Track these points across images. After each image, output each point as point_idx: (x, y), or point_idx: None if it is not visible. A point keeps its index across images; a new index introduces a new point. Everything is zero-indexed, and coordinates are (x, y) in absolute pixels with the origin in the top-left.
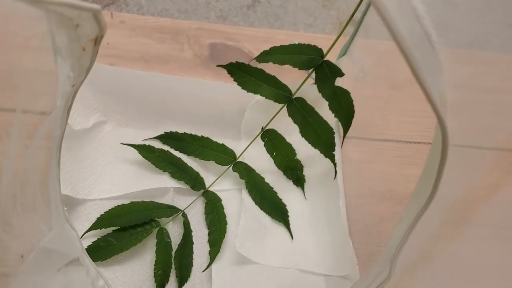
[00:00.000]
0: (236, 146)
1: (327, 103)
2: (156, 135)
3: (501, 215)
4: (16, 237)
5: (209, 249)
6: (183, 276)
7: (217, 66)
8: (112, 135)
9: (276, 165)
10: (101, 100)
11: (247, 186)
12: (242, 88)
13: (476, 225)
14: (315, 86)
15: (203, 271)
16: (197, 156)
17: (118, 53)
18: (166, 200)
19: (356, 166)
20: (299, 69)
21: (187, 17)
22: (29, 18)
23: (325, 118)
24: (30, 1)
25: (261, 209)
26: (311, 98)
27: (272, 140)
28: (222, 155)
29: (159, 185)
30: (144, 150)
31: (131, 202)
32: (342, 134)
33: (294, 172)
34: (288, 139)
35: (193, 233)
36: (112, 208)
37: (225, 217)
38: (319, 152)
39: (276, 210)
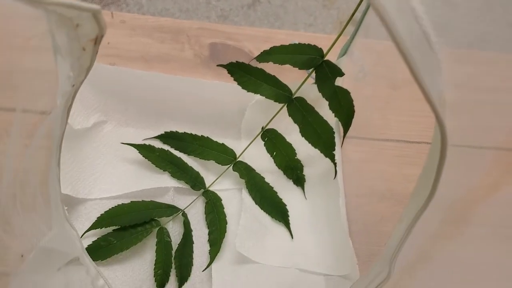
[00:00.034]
0: (236, 145)
1: (327, 102)
2: (156, 134)
3: (500, 215)
4: (16, 237)
5: (209, 248)
6: (183, 275)
7: (218, 65)
8: (112, 135)
9: (276, 165)
10: (101, 99)
11: (247, 186)
12: (242, 88)
13: (476, 225)
14: (315, 85)
15: (203, 271)
16: (197, 155)
17: (118, 52)
18: (166, 199)
19: (356, 165)
20: (299, 68)
21: (187, 16)
22: (29, 18)
23: (325, 118)
24: (30, 1)
25: (261, 209)
26: (311, 98)
27: (272, 140)
28: (222, 155)
29: (159, 185)
30: (144, 149)
31: (131, 201)
32: (342, 134)
33: (294, 171)
34: (288, 139)
35: (193, 233)
36: (112, 207)
37: (225, 217)
38: (319, 151)
39: (276, 209)
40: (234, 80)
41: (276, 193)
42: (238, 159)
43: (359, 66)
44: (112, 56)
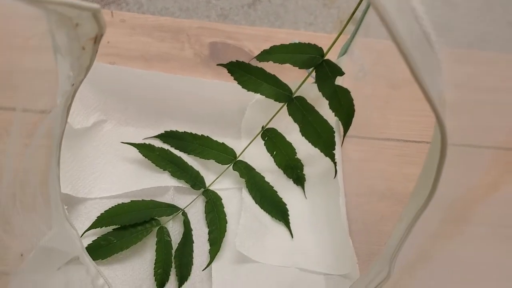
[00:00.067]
0: (236, 145)
1: (327, 102)
2: (156, 134)
3: (500, 214)
4: (16, 236)
5: (209, 248)
6: (183, 274)
7: (218, 65)
8: (112, 134)
9: (276, 164)
10: (101, 99)
11: (247, 185)
12: (243, 87)
13: (475, 224)
14: (315, 85)
15: (203, 270)
16: (197, 155)
17: (118, 51)
18: (166, 199)
19: (356, 165)
20: (299, 68)
21: (187, 15)
22: (29, 18)
23: (325, 117)
24: (30, 1)
25: (261, 208)
26: (311, 97)
27: (272, 139)
28: (222, 154)
29: (159, 184)
30: (144, 149)
31: (131, 201)
32: (342, 133)
33: (294, 171)
34: (288, 138)
35: (193, 232)
36: (112, 206)
37: (225, 216)
38: (319, 151)
39: (276, 209)
40: (234, 79)
41: (276, 192)
42: (238, 158)
43: (359, 65)
44: (112, 55)
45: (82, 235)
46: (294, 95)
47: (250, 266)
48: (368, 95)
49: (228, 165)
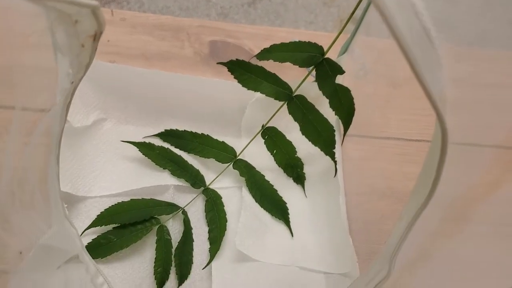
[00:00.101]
0: (236, 143)
1: (327, 100)
2: (156, 132)
3: (501, 213)
4: (15, 235)
5: (209, 246)
6: (183, 273)
7: (218, 63)
8: (112, 133)
9: (276, 163)
10: (101, 97)
11: (248, 184)
12: (243, 86)
13: (475, 223)
14: (316, 83)
15: (203, 269)
16: (198, 153)
17: (118, 50)
18: (166, 197)
19: (356, 164)
20: (299, 66)
21: (188, 14)
22: (29, 15)
23: (325, 116)
24: None
25: (261, 207)
26: (312, 96)
27: (273, 138)
28: (223, 153)
29: (159, 183)
30: (144, 147)
31: (131, 199)
32: (342, 132)
33: (294, 169)
34: (288, 137)
35: (193, 231)
36: (112, 205)
37: (225, 215)
38: (319, 150)
39: (276, 207)
40: (234, 78)
41: (276, 191)
42: (238, 157)
43: (360, 64)
44: (112, 53)
45: (82, 233)
46: (294, 94)
47: (250, 264)
48: (369, 93)
49: (228, 163)
